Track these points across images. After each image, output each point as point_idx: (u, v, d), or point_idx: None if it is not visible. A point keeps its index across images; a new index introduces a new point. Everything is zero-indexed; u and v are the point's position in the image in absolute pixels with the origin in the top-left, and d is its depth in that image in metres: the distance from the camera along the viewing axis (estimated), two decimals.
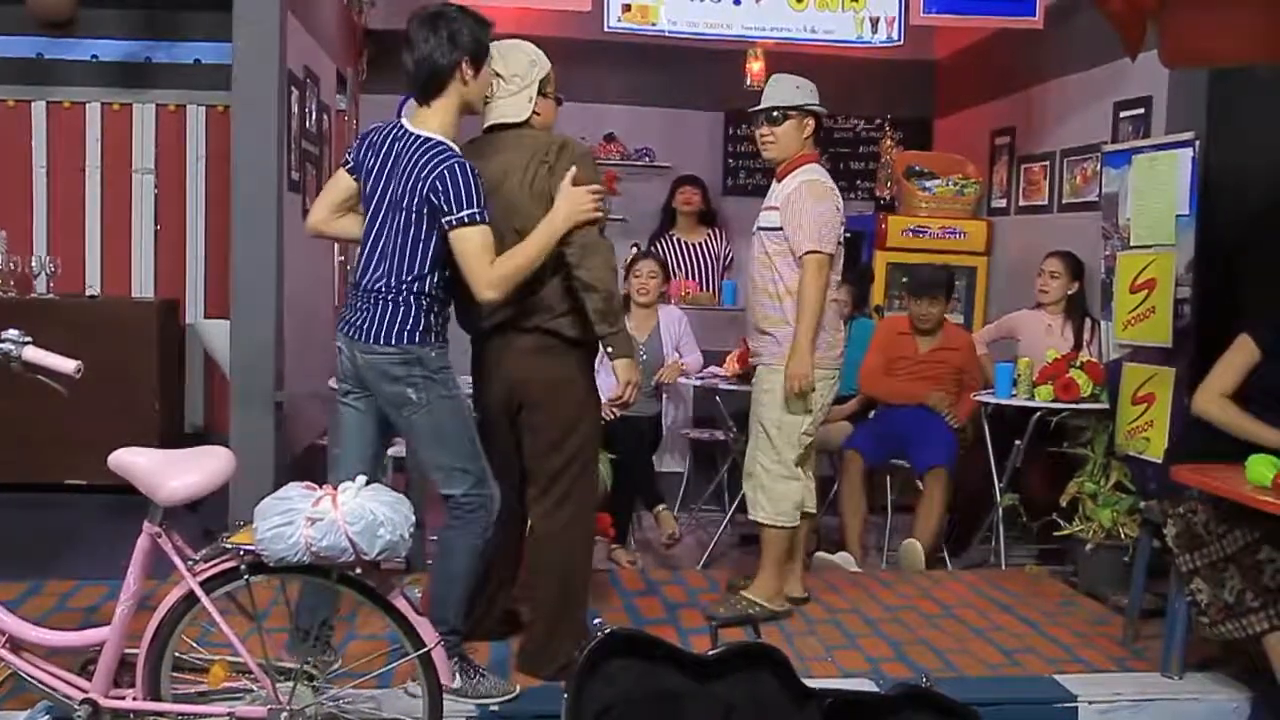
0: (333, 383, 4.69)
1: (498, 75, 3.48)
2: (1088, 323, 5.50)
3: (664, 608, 4.36)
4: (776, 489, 4.22)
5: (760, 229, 4.34)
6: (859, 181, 7.48)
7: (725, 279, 6.86)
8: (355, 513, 2.71)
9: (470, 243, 3.21)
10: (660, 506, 5.44)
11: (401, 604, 2.87)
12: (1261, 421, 3.53)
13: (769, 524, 4.24)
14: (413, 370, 3.28)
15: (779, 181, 4.32)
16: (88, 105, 6.76)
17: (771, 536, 4.25)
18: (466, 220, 3.19)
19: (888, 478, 5.52)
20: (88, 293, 6.67)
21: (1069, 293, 5.53)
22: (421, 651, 2.87)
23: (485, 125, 3.56)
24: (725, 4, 4.64)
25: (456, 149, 3.28)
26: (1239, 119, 4.66)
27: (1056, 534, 4.75)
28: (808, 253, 4.11)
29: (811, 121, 4.30)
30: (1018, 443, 5.08)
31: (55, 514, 5.63)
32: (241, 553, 2.78)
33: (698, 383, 5.59)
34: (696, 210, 7.02)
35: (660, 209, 7.14)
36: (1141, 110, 5.19)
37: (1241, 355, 3.66)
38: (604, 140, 7.29)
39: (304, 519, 2.70)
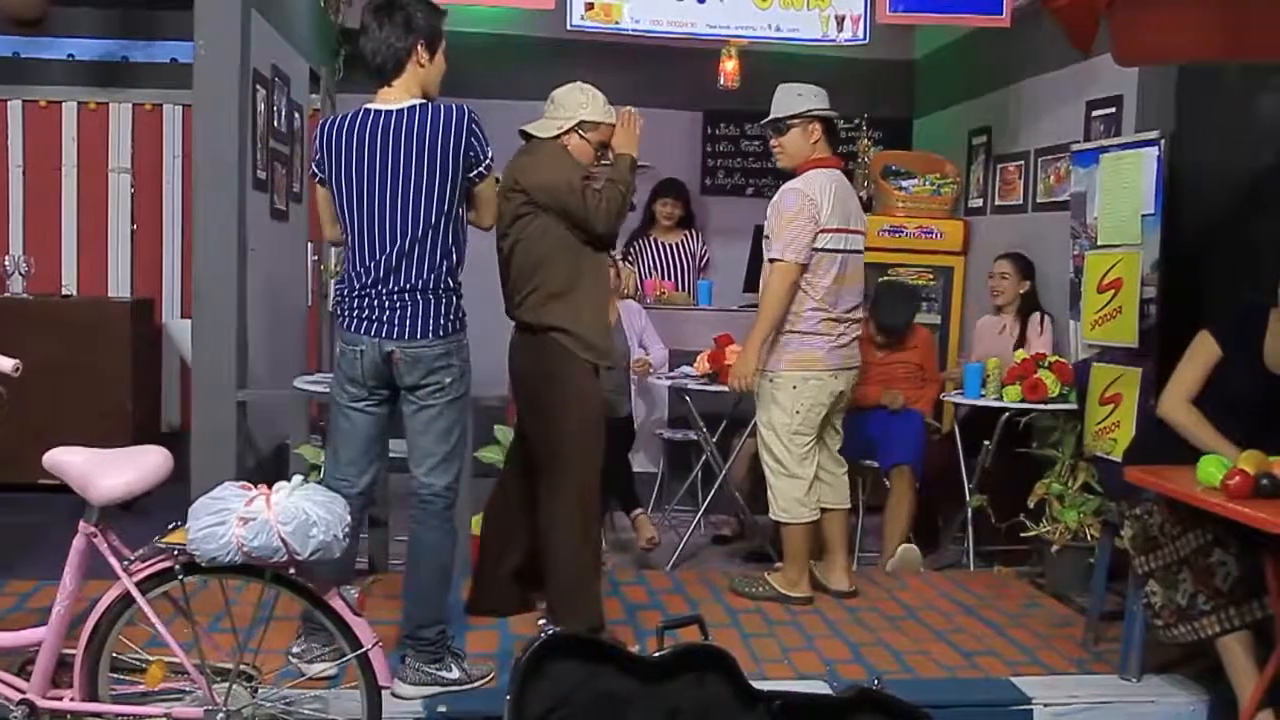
0: (303, 383, 4.70)
1: (557, 104, 3.89)
2: (1035, 318, 5.52)
3: (624, 609, 4.34)
4: (779, 486, 4.42)
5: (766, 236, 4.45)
6: None
7: (701, 279, 6.83)
8: (288, 512, 2.70)
9: (492, 186, 3.53)
10: (638, 510, 5.40)
11: (338, 604, 2.85)
12: (1219, 432, 3.51)
13: (779, 520, 4.46)
14: (452, 360, 3.40)
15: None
16: (64, 104, 6.75)
17: (786, 531, 4.47)
18: (491, 165, 3.44)
19: (858, 479, 5.48)
20: (63, 292, 6.65)
21: (1021, 292, 5.59)
22: (360, 652, 2.85)
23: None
24: (689, 2, 4.63)
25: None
26: (1208, 118, 4.63)
27: (1023, 535, 4.72)
28: (773, 259, 4.28)
29: (818, 126, 4.40)
30: (986, 443, 5.06)
31: (26, 514, 5.60)
32: (176, 552, 2.77)
33: (668, 382, 5.57)
34: (676, 220, 7.05)
35: (640, 209, 7.10)
36: (1113, 110, 5.16)
37: (1203, 354, 3.64)
38: None
39: (236, 519, 2.69)
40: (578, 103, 3.88)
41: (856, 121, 6.84)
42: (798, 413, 4.34)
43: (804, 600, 4.44)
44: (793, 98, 4.40)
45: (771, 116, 4.42)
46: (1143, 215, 4.45)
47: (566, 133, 3.85)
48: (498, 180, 3.64)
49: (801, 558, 4.46)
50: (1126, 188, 4.52)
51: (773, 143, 4.47)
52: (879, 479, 5.41)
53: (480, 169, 3.40)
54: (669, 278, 6.86)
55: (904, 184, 6.46)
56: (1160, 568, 3.52)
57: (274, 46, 5.25)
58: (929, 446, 5.33)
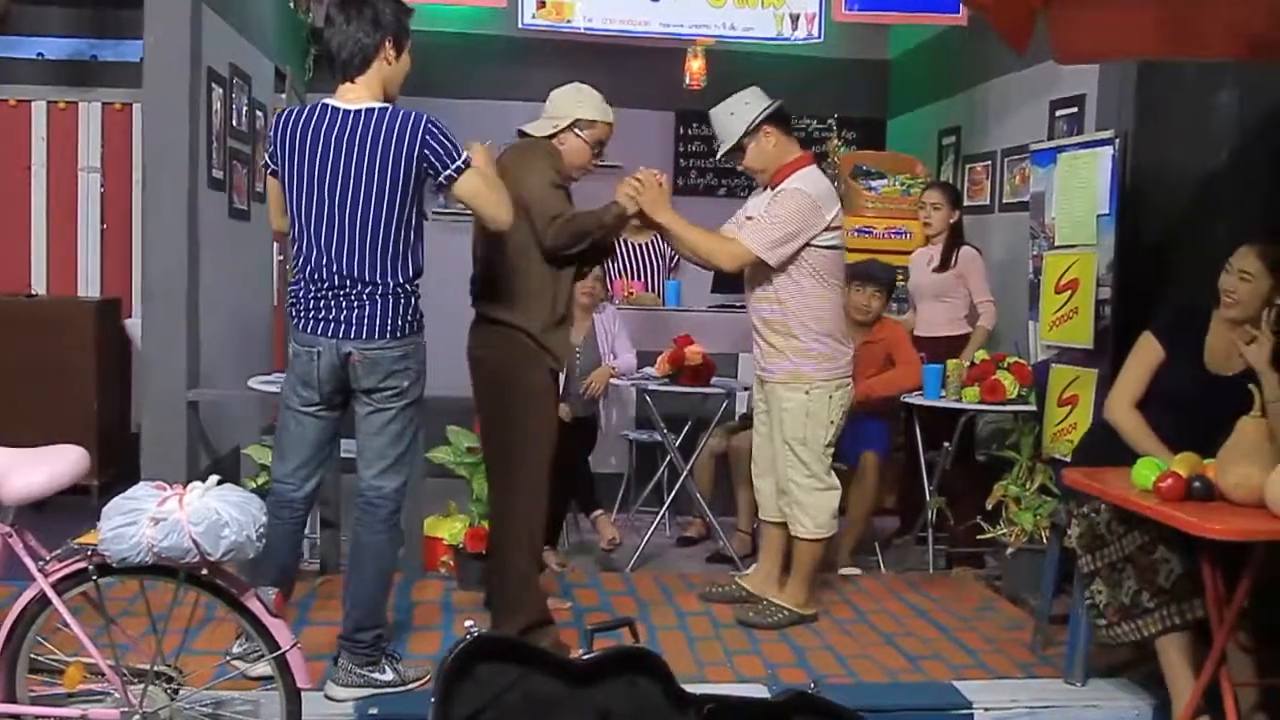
0: (257, 383, 4.68)
1: (553, 104, 3.86)
2: (959, 251, 5.49)
3: (573, 611, 4.31)
4: (813, 502, 4.22)
5: None
6: None
7: (670, 279, 6.80)
8: (199, 513, 2.67)
9: (475, 182, 3.32)
10: (598, 512, 5.37)
11: (255, 605, 2.83)
12: (1162, 432, 3.48)
13: (809, 538, 4.23)
14: (409, 362, 3.35)
15: (771, 189, 4.23)
16: (34, 104, 6.71)
17: (808, 548, 4.26)
18: (465, 166, 3.30)
19: None
20: (30, 292, 6.63)
21: (951, 222, 5.55)
22: (277, 653, 2.82)
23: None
24: (643, 1, 4.59)
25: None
26: (1166, 117, 4.59)
27: (978, 538, 4.69)
28: (745, 244, 4.13)
29: (770, 129, 4.19)
30: (946, 444, 5.03)
31: None
32: (90, 553, 2.75)
33: (628, 383, 5.54)
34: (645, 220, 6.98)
35: None
36: (1075, 109, 5.14)
37: (1147, 355, 3.62)
38: None
39: (148, 519, 2.66)
40: (574, 101, 3.87)
41: (829, 121, 6.81)
42: (833, 423, 4.22)
43: (814, 617, 4.30)
44: (728, 119, 4.23)
45: (724, 149, 4.28)
46: (1098, 215, 4.41)
47: (563, 131, 3.83)
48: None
49: (816, 573, 4.36)
50: (1082, 188, 4.48)
51: (740, 166, 4.35)
52: (846, 476, 5.36)
53: (448, 173, 3.29)
54: (638, 278, 6.84)
55: (873, 184, 6.43)
56: (1105, 566, 3.48)
57: (232, 44, 5.23)
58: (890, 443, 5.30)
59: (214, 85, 4.90)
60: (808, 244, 4.11)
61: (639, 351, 5.86)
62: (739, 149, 4.22)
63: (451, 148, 3.29)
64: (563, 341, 3.87)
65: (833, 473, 4.29)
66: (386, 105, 3.30)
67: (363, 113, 3.27)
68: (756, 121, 4.17)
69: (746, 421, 4.95)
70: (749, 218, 4.27)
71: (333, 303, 3.29)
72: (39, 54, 6.68)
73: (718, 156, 4.41)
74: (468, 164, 3.30)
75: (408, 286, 3.34)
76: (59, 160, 6.74)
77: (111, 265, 6.80)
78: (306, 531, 4.69)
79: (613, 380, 5.62)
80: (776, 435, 4.25)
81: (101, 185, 6.78)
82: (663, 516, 5.50)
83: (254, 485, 4.24)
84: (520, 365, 3.75)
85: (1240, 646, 3.24)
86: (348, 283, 3.28)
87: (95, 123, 6.77)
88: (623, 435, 6.20)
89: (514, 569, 3.80)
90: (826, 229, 4.15)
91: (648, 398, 5.37)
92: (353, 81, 3.32)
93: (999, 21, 3.17)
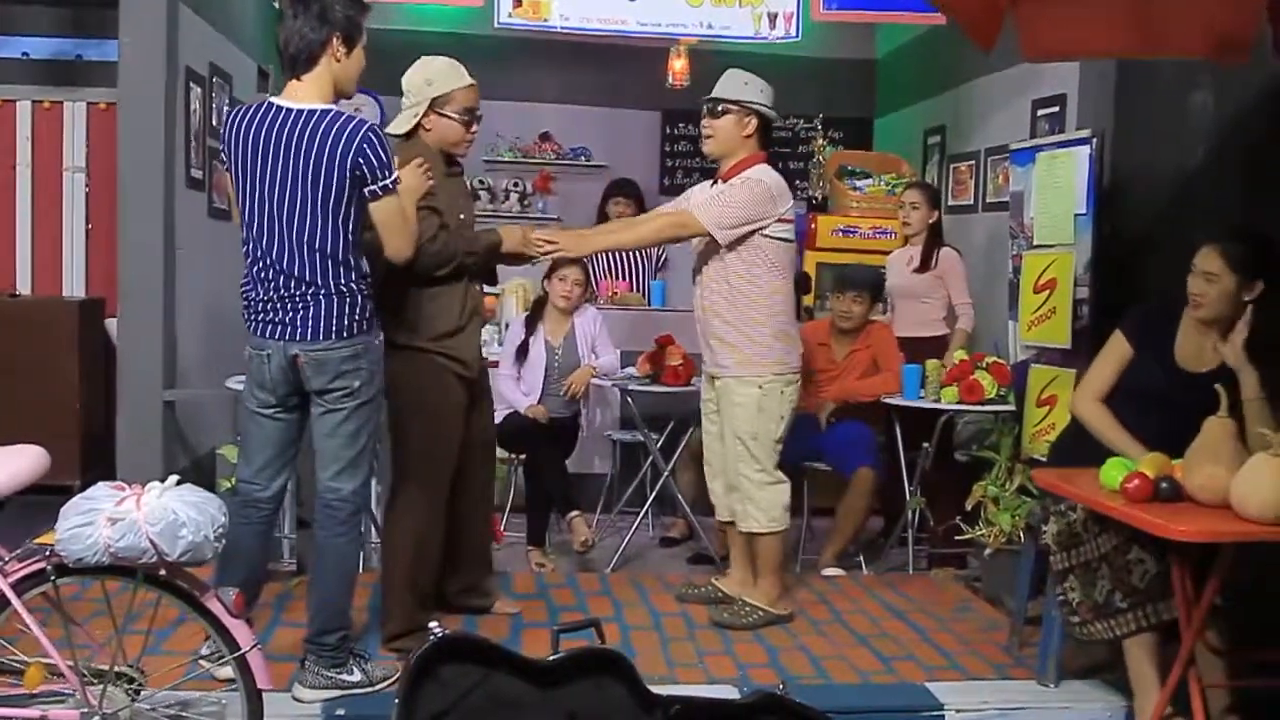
0: (235, 383, 4.67)
1: (405, 93, 3.71)
2: (939, 252, 5.47)
3: (548, 611, 4.31)
4: (765, 496, 4.19)
5: None
6: (797, 182, 7.39)
7: (656, 279, 6.78)
8: (156, 513, 2.66)
9: (391, 209, 3.29)
10: (574, 513, 5.36)
11: (215, 606, 2.82)
12: (1131, 429, 3.47)
13: (764, 532, 4.21)
14: (360, 362, 3.31)
15: (723, 183, 4.21)
16: (18, 103, 6.71)
17: (767, 543, 4.23)
18: (391, 188, 3.26)
19: (804, 483, 5.44)
20: (14, 291, 6.62)
21: (930, 222, 5.53)
22: (238, 654, 2.81)
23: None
24: (620, 0, 4.57)
25: (360, 116, 3.31)
26: (1145, 117, 4.59)
27: (957, 538, 4.68)
28: (696, 215, 4.10)
29: (754, 120, 4.17)
30: (926, 445, 5.01)
31: None
32: (49, 553, 2.74)
33: (609, 384, 5.53)
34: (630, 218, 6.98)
35: (594, 210, 7.07)
36: (1056, 109, 5.13)
37: (1115, 352, 3.62)
38: (539, 139, 7.24)
39: (104, 519, 2.65)
40: (423, 81, 3.75)
41: (815, 121, 6.80)
42: (783, 418, 4.20)
43: (789, 617, 4.27)
44: (739, 84, 4.19)
45: (712, 95, 4.21)
46: (1076, 215, 4.41)
47: (425, 117, 3.75)
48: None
49: (781, 568, 4.34)
50: (1060, 187, 4.48)
51: (705, 123, 4.22)
52: (826, 482, 5.36)
53: (374, 187, 3.24)
54: (623, 278, 6.81)
55: (858, 184, 6.42)
56: (1080, 564, 3.46)
57: (212, 43, 5.22)
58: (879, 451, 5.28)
59: (192, 85, 4.88)
60: (760, 232, 4.09)
61: (624, 351, 5.84)
62: (719, 110, 4.16)
63: (384, 164, 3.23)
64: (465, 346, 3.80)
65: (781, 468, 4.26)
66: (330, 107, 3.25)
67: (306, 113, 3.22)
68: (754, 106, 4.16)
69: None
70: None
71: (278, 304, 3.28)
72: (24, 53, 6.68)
73: (702, 98, 4.28)
74: (394, 186, 3.28)
75: (353, 287, 3.29)
76: (44, 160, 6.74)
77: (96, 265, 6.79)
78: (286, 532, 4.71)
79: (594, 381, 5.61)
80: (727, 431, 4.22)
81: (86, 185, 6.77)
82: (644, 517, 5.49)
83: (228, 485, 4.24)
84: (408, 379, 3.73)
85: (1210, 648, 3.23)
86: (291, 284, 3.25)
87: (80, 122, 6.77)
88: (606, 435, 6.18)
89: (388, 575, 3.83)
90: (779, 220, 4.13)
91: (629, 398, 5.36)
92: (299, 79, 3.27)
93: (965, 20, 3.16)
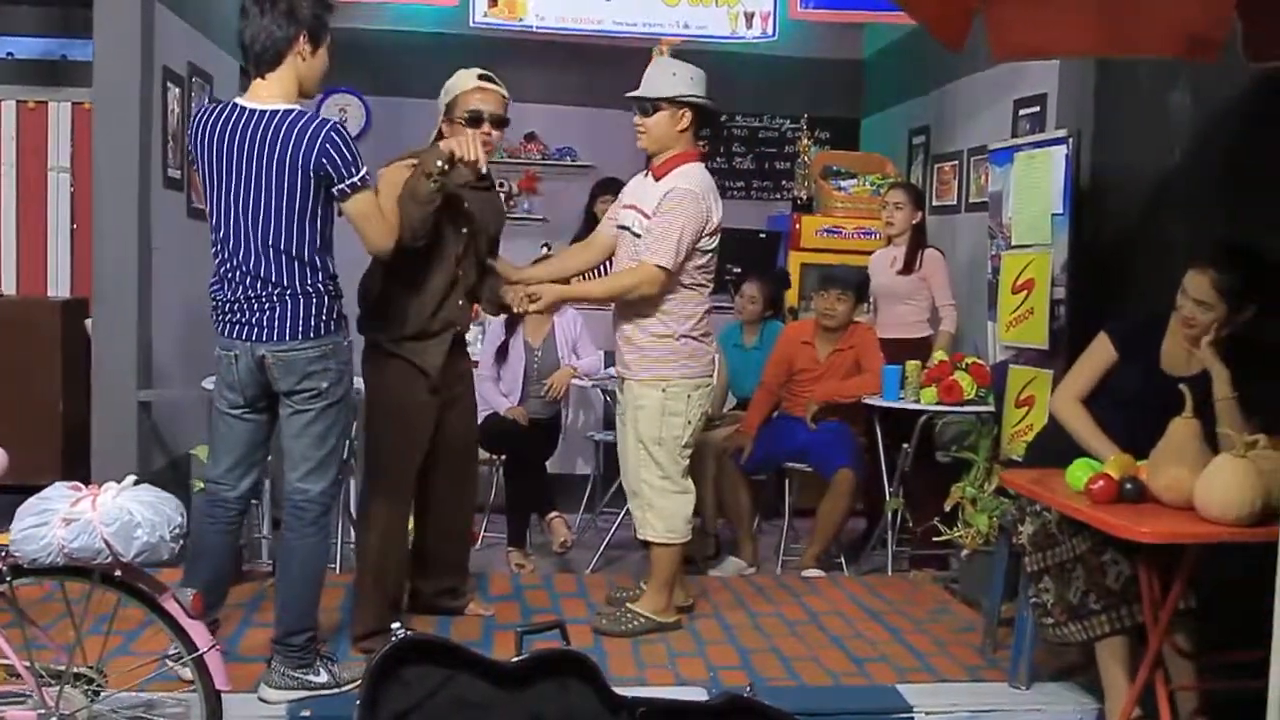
0: (210, 384, 4.65)
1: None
2: (923, 253, 5.46)
3: (520, 612, 4.29)
4: (666, 505, 4.05)
5: (623, 228, 4.13)
6: (783, 182, 7.40)
7: None
8: (111, 513, 2.66)
9: (365, 203, 3.26)
10: (553, 514, 5.34)
11: (172, 606, 2.81)
12: (1111, 431, 3.45)
13: (661, 542, 4.06)
14: (328, 362, 3.30)
15: (655, 180, 4.03)
16: (3, 103, 6.70)
17: (663, 554, 4.07)
18: (360, 185, 3.23)
19: (784, 483, 5.43)
20: (0, 291, 6.62)
21: (914, 222, 5.51)
22: (195, 655, 2.80)
23: None
24: (595, 0, 4.55)
25: (323, 115, 3.30)
26: (1124, 117, 4.56)
27: (936, 539, 4.66)
28: (654, 264, 3.93)
29: (688, 114, 3.97)
30: (905, 446, 5.00)
31: None
32: (3, 554, 2.73)
33: (590, 384, 5.51)
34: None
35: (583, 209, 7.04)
36: (1037, 108, 5.11)
37: (1099, 355, 3.59)
38: (524, 140, 7.22)
39: (59, 519, 2.65)
40: (444, 90, 3.85)
41: (800, 121, 6.79)
42: (690, 423, 4.05)
43: (676, 625, 4.14)
44: (666, 77, 3.98)
45: (639, 93, 3.98)
46: (1052, 215, 4.39)
47: (442, 123, 3.84)
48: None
49: (674, 580, 4.14)
50: (1037, 187, 4.46)
51: (636, 120, 4.01)
52: (807, 482, 5.34)
53: (341, 187, 3.21)
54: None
55: (843, 184, 6.40)
56: (1055, 565, 3.44)
57: (191, 43, 5.21)
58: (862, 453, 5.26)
59: (170, 85, 4.87)
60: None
61: (608, 352, 5.83)
62: (649, 108, 3.97)
63: (350, 161, 3.18)
64: (428, 353, 3.78)
65: (689, 476, 4.12)
66: (293, 108, 3.23)
67: (269, 114, 3.20)
68: (686, 98, 3.97)
69: (708, 422, 4.89)
70: (628, 206, 4.12)
71: (245, 305, 3.26)
72: (8, 53, 6.67)
73: (627, 95, 4.04)
74: (364, 182, 3.23)
75: (320, 287, 3.28)
76: (29, 160, 6.73)
77: (81, 265, 6.77)
78: (264, 532, 4.70)
79: (575, 382, 5.60)
80: (630, 435, 4.08)
81: (71, 185, 6.75)
82: (624, 517, 5.46)
83: (202, 486, 4.22)
84: (379, 379, 3.80)
85: (1177, 650, 3.21)
86: (257, 284, 3.24)
87: (65, 122, 6.75)
88: (588, 436, 6.17)
89: (359, 575, 3.87)
90: (707, 234, 3.99)
91: (609, 398, 5.34)
92: (264, 78, 3.25)
93: (930, 21, 3.14)
